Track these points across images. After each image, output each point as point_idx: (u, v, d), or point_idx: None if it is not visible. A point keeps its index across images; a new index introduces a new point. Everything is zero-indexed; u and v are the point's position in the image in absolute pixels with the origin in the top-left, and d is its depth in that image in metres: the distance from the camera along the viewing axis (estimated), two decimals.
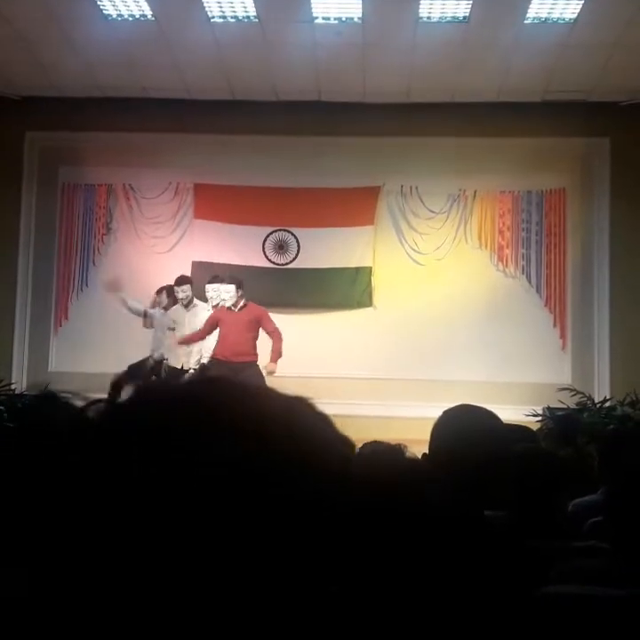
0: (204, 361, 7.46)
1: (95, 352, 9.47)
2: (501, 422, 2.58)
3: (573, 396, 5.64)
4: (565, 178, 9.71)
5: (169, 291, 8.61)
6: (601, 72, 8.78)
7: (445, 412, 2.37)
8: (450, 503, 1.88)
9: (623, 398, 7.15)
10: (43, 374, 9.68)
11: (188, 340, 7.54)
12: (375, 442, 2.00)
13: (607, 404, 5.56)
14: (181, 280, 8.47)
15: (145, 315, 8.68)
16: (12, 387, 6.24)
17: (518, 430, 3.57)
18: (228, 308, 7.33)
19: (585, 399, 5.59)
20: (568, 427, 5.30)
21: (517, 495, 2.81)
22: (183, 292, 8.32)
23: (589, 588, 1.99)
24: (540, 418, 5.62)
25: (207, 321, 7.47)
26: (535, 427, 5.68)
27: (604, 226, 9.57)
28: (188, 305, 8.27)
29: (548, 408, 5.68)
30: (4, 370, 9.45)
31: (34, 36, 8.36)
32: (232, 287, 7.39)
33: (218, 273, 8.44)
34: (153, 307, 8.64)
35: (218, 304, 7.77)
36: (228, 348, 7.22)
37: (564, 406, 5.68)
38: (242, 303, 7.41)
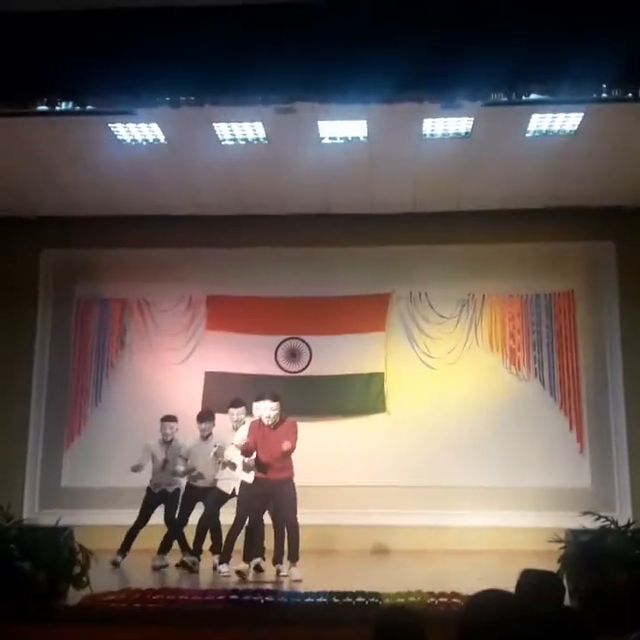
0: (247, 480, 7.38)
1: (108, 467, 9.41)
2: (521, 602, 2.55)
3: (597, 520, 5.55)
4: (573, 281, 9.81)
5: (209, 416, 8.31)
6: (603, 179, 8.96)
7: (471, 600, 2.34)
8: None
9: None
10: (55, 489, 9.63)
11: (250, 451, 7.34)
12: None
13: (632, 527, 5.45)
14: (233, 403, 8.06)
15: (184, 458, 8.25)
16: (25, 519, 6.17)
17: (542, 581, 3.48)
18: (265, 425, 7.26)
19: (608, 523, 5.48)
20: (593, 553, 5.19)
21: None
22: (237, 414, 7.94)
23: None
24: (562, 543, 5.51)
25: (250, 434, 7.37)
26: (559, 553, 5.56)
27: (615, 327, 9.61)
28: (238, 427, 8.00)
29: (571, 531, 5.56)
30: (17, 484, 9.43)
31: (50, 160, 8.64)
32: (276, 404, 7.30)
33: (261, 389, 7.94)
34: (204, 435, 8.18)
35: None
36: (266, 465, 7.18)
37: (587, 529, 5.58)
38: (277, 420, 7.32)
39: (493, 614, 2.27)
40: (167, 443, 8.32)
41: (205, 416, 8.30)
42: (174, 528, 8.06)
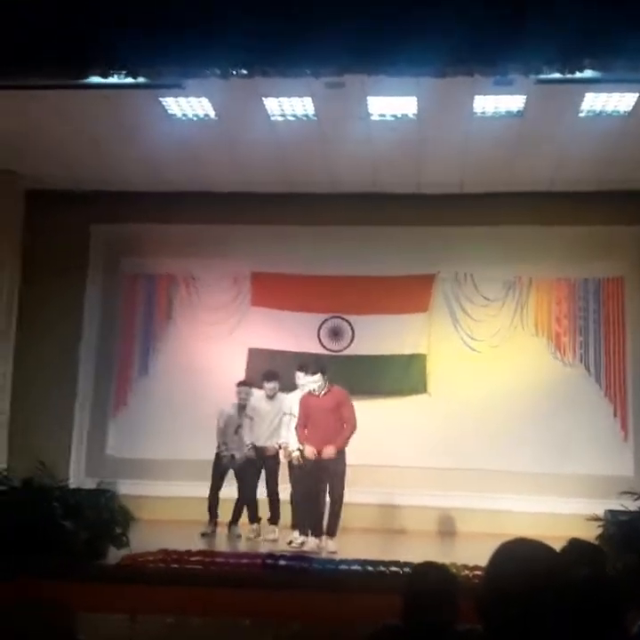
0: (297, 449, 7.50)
1: (152, 438, 9.59)
2: (556, 554, 2.52)
3: (637, 499, 5.47)
4: (623, 266, 9.61)
5: (275, 376, 8.38)
6: None
7: (502, 547, 2.32)
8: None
9: None
10: (101, 459, 9.81)
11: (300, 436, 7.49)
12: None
13: None
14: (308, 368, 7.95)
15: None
16: (70, 483, 6.32)
17: (587, 551, 3.47)
18: (314, 394, 7.34)
19: None
20: (631, 533, 5.12)
21: (571, 622, 2.72)
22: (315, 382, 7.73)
23: None
24: (601, 522, 5.44)
25: (300, 409, 7.51)
26: (597, 531, 5.50)
27: None
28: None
29: (610, 512, 5.50)
30: (64, 454, 9.63)
31: (100, 134, 8.75)
32: (319, 376, 7.38)
33: (304, 361, 8.22)
34: (270, 395, 8.29)
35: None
36: (316, 435, 7.26)
37: (626, 509, 5.50)
38: (325, 388, 7.40)
39: (522, 561, 2.25)
40: (242, 407, 8.34)
41: (272, 376, 8.35)
42: (244, 497, 8.15)
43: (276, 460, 8.03)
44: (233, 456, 8.31)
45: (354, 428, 7.35)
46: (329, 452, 7.17)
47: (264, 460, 8.12)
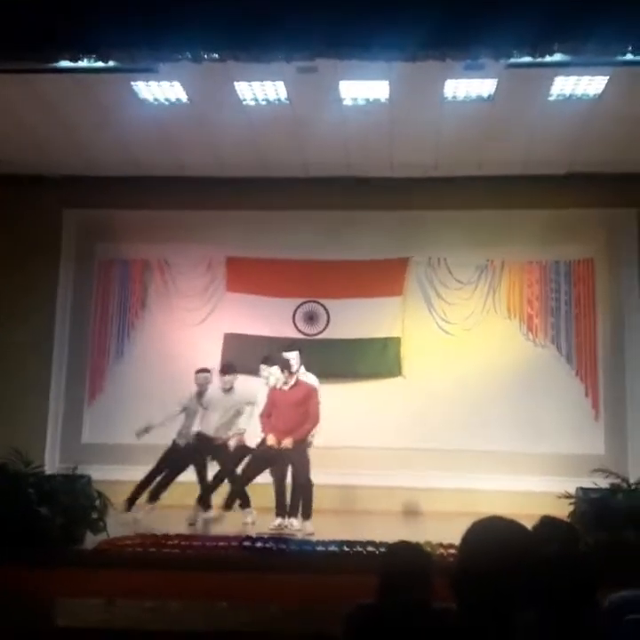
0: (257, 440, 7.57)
1: (128, 424, 9.52)
2: (529, 532, 2.58)
3: (607, 477, 5.58)
4: (593, 248, 9.74)
5: (231, 369, 8.30)
6: (627, 144, 8.85)
7: (475, 525, 2.37)
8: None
9: None
10: (76, 446, 9.80)
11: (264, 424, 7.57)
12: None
13: None
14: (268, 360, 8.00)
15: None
16: (45, 469, 6.30)
17: (559, 529, 3.53)
18: (279, 388, 7.45)
19: (619, 480, 5.52)
20: (602, 510, 5.23)
21: (545, 599, 2.79)
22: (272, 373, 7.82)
23: None
24: (573, 500, 5.55)
25: (267, 400, 7.58)
26: (568, 508, 5.60)
27: (634, 295, 9.55)
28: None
29: (582, 489, 5.61)
30: (39, 441, 9.59)
31: (73, 119, 8.68)
32: (275, 368, 7.49)
33: (269, 353, 8.19)
34: (226, 388, 8.19)
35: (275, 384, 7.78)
36: (278, 425, 7.35)
37: (598, 487, 5.61)
38: (292, 382, 7.49)
39: (495, 539, 2.29)
40: (200, 395, 8.31)
41: (228, 369, 8.30)
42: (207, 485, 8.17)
43: (226, 449, 8.02)
44: (188, 443, 8.30)
45: (316, 422, 7.49)
46: (287, 442, 7.30)
47: (213, 450, 8.10)
